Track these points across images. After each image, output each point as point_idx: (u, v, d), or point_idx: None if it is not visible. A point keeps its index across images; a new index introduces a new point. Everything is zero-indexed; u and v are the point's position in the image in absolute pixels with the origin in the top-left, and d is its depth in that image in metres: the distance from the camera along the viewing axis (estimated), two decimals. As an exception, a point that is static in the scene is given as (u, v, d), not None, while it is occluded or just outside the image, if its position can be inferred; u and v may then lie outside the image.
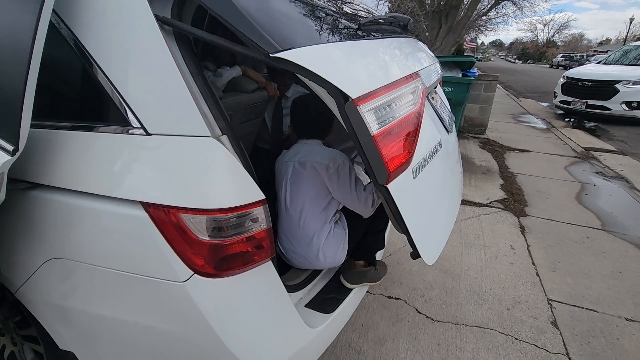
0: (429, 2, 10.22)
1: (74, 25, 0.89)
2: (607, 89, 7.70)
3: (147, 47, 0.86)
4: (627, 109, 7.54)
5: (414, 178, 1.03)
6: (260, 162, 2.15)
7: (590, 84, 7.93)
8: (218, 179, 0.85)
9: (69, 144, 0.91)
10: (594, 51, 50.74)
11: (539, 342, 1.82)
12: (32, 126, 0.83)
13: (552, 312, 2.04)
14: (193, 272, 0.87)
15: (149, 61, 0.87)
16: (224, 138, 0.91)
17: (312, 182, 1.32)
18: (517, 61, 68.36)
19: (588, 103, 7.94)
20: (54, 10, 0.84)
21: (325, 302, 1.28)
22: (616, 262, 2.55)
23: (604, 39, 79.09)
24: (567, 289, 2.25)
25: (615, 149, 5.59)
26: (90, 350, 1.07)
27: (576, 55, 41.76)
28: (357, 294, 1.42)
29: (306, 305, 1.24)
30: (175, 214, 0.83)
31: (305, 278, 1.35)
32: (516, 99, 11.43)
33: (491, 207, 3.36)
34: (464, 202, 3.40)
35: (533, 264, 2.51)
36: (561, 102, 8.51)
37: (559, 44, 69.94)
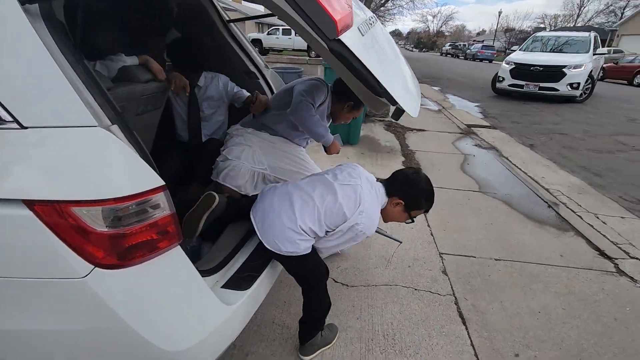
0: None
1: None
2: (556, 73, 9.06)
3: (12, 35, 0.80)
4: (570, 89, 9.06)
5: (363, 35, 1.06)
6: (179, 154, 2.11)
7: (542, 69, 9.18)
8: (110, 168, 0.84)
9: None
10: (474, 40, 58.38)
11: (433, 288, 2.16)
12: None
13: (442, 263, 2.42)
14: (93, 266, 0.86)
15: (17, 49, 0.81)
16: (115, 127, 0.90)
17: (336, 207, 1.42)
18: (414, 50, 75.06)
19: (540, 85, 9.24)
20: None
21: (241, 280, 1.34)
22: (489, 217, 3.10)
23: (481, 30, 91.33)
24: (453, 243, 2.68)
25: (489, 125, 6.64)
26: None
27: (460, 44, 47.52)
28: (273, 269, 1.51)
29: (222, 287, 1.29)
30: (66, 208, 0.81)
31: (221, 261, 1.38)
32: (414, 84, 12.62)
33: (394, 181, 3.76)
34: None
35: (428, 226, 2.91)
36: (511, 85, 9.66)
37: (447, 34, 78.69)
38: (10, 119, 0.80)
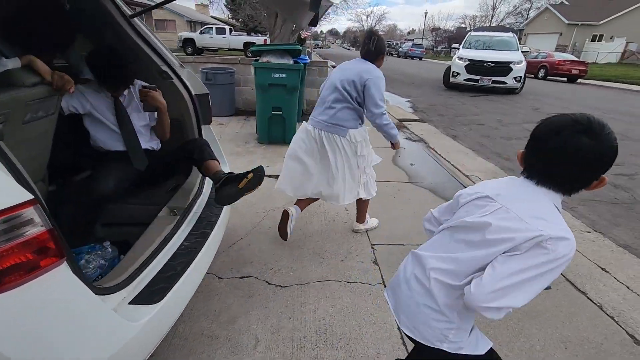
0: (262, -9, 10.45)
1: None
2: (505, 68, 10.20)
3: None
4: (514, 82, 10.39)
5: None
6: (116, 165, 1.92)
7: (493, 64, 10.21)
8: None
9: None
10: (405, 39, 61.84)
11: (364, 279, 2.24)
12: None
13: (374, 254, 2.52)
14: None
15: None
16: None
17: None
18: (351, 48, 77.38)
19: (493, 79, 10.30)
20: None
21: (152, 293, 1.26)
22: (416, 205, 3.30)
23: (411, 29, 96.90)
24: (384, 233, 2.79)
25: (419, 118, 7.07)
26: None
27: (393, 43, 49.95)
28: (191, 277, 1.44)
29: (130, 302, 1.20)
30: None
31: (129, 276, 1.29)
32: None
33: (329, 178, 3.83)
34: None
35: (361, 219, 3.01)
36: (467, 79, 10.54)
37: (380, 33, 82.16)
38: None
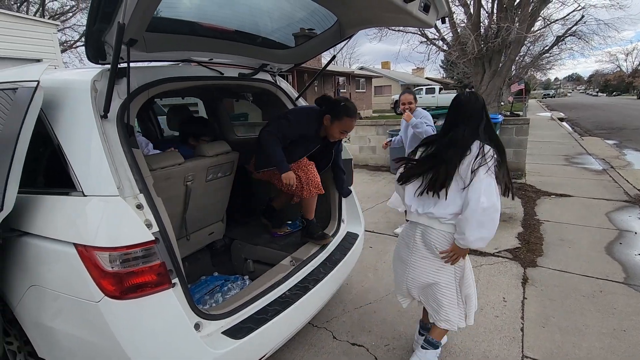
0: (469, 49, 10.35)
1: (56, 128, 1.37)
2: None
3: (87, 139, 1.30)
4: None
5: None
6: None
7: None
8: (115, 225, 1.20)
9: (42, 204, 1.36)
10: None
11: (493, 398, 1.74)
12: (23, 193, 1.31)
13: (522, 369, 1.92)
14: (103, 295, 1.20)
15: (90, 152, 1.29)
16: (141, 196, 1.29)
17: None
18: (599, 94, 62.79)
19: None
20: (45, 115, 1.35)
21: (240, 329, 1.48)
22: (625, 319, 2.28)
23: None
24: (550, 346, 2.08)
25: (682, 191, 4.88)
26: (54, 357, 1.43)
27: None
28: (279, 325, 1.59)
29: (223, 332, 1.47)
30: (90, 251, 1.19)
31: (232, 309, 1.57)
32: (579, 137, 10.54)
33: (498, 256, 3.21)
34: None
35: (522, 318, 2.36)
36: None
37: (644, 70, 62.83)
38: (80, 189, 1.27)
